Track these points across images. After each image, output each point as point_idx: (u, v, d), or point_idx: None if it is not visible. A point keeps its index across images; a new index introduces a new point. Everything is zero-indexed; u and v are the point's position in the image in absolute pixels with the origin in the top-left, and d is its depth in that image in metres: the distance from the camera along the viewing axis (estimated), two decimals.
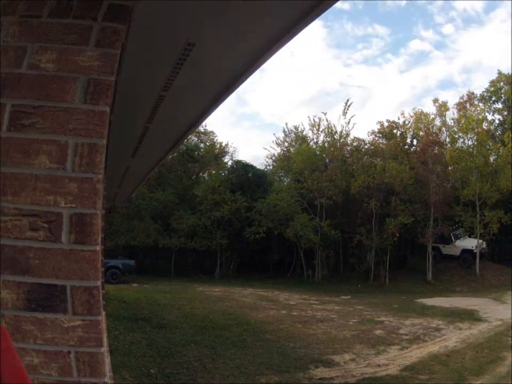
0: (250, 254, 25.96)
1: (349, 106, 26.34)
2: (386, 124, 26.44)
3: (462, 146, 24.65)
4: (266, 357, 10.11)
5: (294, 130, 29.06)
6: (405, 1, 46.12)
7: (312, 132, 28.64)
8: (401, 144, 25.73)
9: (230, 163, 29.64)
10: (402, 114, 27.02)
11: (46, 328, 1.17)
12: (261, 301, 17.54)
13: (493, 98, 26.69)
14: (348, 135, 26.89)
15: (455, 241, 22.96)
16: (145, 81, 3.10)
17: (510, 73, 25.45)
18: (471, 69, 50.97)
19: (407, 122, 26.56)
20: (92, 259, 1.21)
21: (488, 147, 23.57)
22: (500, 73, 26.20)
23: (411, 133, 26.68)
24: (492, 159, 23.61)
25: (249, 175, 26.41)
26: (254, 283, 22.83)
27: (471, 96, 25.18)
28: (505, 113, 26.07)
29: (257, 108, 55.67)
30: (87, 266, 1.21)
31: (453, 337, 11.99)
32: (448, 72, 48.77)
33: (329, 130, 27.10)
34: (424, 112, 25.90)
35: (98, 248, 1.23)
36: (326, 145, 26.80)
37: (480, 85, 57.40)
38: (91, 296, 1.20)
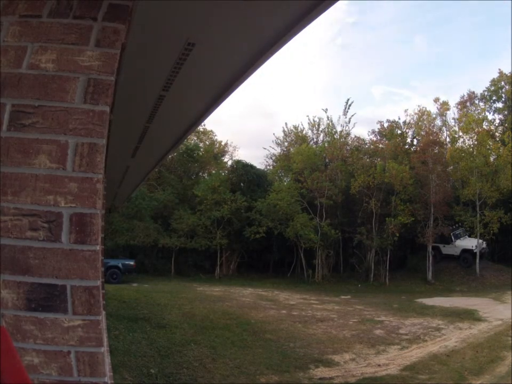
0: (250, 254, 25.96)
1: (349, 105, 26.36)
2: (386, 124, 26.46)
3: (462, 146, 24.65)
4: (266, 356, 10.11)
5: (293, 130, 29.11)
6: None
7: (312, 131, 28.69)
8: (401, 144, 25.72)
9: (230, 163, 29.70)
10: (405, 112, 27.02)
11: (46, 328, 1.17)
12: (261, 301, 17.54)
13: (494, 98, 26.70)
14: (348, 134, 26.93)
15: (455, 241, 22.96)
16: (145, 81, 3.10)
17: (510, 73, 25.48)
18: None
19: (407, 121, 26.58)
20: (92, 259, 1.21)
21: (488, 147, 23.56)
22: (500, 72, 26.22)
23: (411, 133, 26.70)
24: (492, 159, 23.60)
25: (249, 174, 26.40)
26: (254, 283, 22.83)
27: (471, 95, 25.19)
28: (506, 112, 26.06)
29: None
30: (87, 266, 1.21)
31: (453, 337, 11.99)
32: None
33: (329, 129, 27.11)
34: (427, 110, 25.86)
35: (98, 248, 1.23)
36: (326, 145, 26.80)
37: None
38: (91, 296, 1.20)
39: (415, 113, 26.11)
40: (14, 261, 1.18)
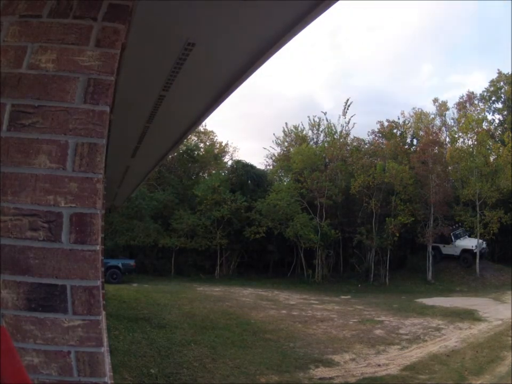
0: (250, 254, 25.96)
1: (348, 106, 26.34)
2: (386, 124, 26.45)
3: (462, 146, 24.66)
4: (266, 356, 10.11)
5: (293, 130, 29.09)
6: None
7: (312, 131, 28.69)
8: (401, 144, 25.73)
9: (230, 163, 29.69)
10: (402, 114, 27.04)
11: (46, 328, 1.17)
12: (261, 301, 17.54)
13: (493, 98, 26.71)
14: (348, 134, 26.92)
15: (455, 241, 22.96)
16: (145, 81, 3.10)
17: (510, 73, 25.49)
18: None
19: (407, 122, 26.60)
20: (92, 259, 1.21)
21: (488, 147, 23.58)
22: (499, 73, 26.23)
23: (411, 133, 26.69)
24: (492, 159, 23.61)
25: (249, 175, 26.39)
26: (254, 283, 22.83)
27: (471, 95, 25.20)
28: (505, 113, 26.07)
29: None
30: (87, 266, 1.21)
31: (453, 337, 11.99)
32: None
33: (329, 130, 27.10)
34: (424, 111, 25.92)
35: (98, 248, 1.23)
36: (326, 145, 26.79)
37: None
38: (91, 296, 1.20)
39: (411, 116, 26.21)
40: (14, 261, 1.18)
